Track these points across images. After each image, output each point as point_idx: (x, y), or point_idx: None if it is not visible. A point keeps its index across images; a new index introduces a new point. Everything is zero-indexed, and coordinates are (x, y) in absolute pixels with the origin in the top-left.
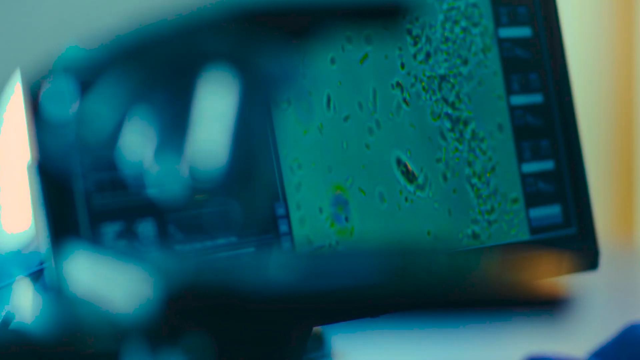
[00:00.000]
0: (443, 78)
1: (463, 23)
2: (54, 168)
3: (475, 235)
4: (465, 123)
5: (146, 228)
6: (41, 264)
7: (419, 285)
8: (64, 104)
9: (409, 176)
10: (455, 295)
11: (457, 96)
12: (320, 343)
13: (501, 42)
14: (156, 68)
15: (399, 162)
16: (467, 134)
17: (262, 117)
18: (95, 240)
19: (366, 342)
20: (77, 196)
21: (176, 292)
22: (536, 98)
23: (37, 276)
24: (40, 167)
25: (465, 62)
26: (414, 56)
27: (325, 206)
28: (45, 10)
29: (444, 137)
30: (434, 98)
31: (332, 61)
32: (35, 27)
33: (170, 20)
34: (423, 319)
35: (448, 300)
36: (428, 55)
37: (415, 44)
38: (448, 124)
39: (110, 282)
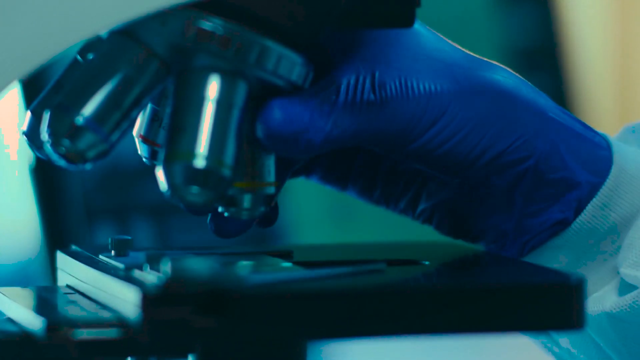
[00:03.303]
0: None
1: None
2: (50, 169)
3: None
4: None
5: (142, 228)
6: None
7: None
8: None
9: None
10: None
11: None
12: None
13: None
14: (155, 67)
15: None
16: None
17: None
18: (90, 238)
19: (359, 343)
20: (74, 195)
21: (171, 292)
22: None
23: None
24: (36, 168)
25: None
26: None
27: (324, 208)
28: (45, 12)
29: None
30: None
31: None
32: (34, 28)
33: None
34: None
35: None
36: None
37: None
38: None
39: (104, 279)
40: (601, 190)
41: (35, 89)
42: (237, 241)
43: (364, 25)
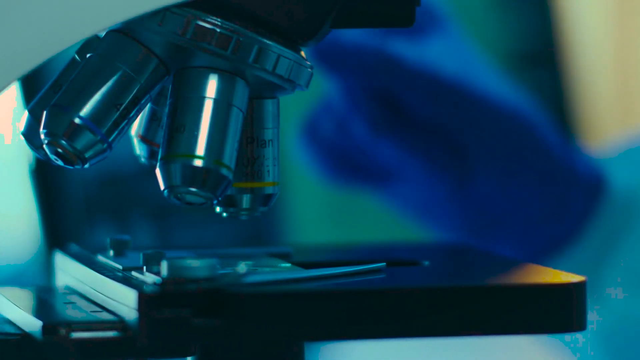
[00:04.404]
0: None
1: None
2: (50, 169)
3: None
4: None
5: (142, 228)
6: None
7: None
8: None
9: None
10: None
11: None
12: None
13: None
14: (155, 65)
15: None
16: None
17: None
18: (90, 237)
19: (359, 343)
20: (74, 195)
21: (169, 292)
22: None
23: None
24: (36, 168)
25: None
26: None
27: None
28: (44, 12)
29: None
30: None
31: None
32: (33, 28)
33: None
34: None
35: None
36: None
37: None
38: None
39: (102, 280)
40: None
41: (34, 89)
42: (236, 241)
43: (364, 25)
